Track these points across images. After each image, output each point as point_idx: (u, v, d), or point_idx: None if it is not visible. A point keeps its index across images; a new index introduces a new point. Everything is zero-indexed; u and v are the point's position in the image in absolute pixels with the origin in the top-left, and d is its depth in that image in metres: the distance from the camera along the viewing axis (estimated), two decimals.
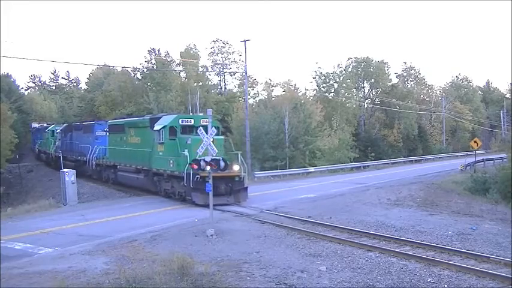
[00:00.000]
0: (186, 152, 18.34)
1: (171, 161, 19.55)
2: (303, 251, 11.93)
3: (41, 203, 21.80)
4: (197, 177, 17.61)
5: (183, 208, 18.80)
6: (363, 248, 12.06)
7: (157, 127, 20.43)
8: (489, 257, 10.95)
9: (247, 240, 13.10)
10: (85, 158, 29.83)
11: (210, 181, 14.17)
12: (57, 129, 38.74)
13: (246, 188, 19.52)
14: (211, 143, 16.06)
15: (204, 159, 14.09)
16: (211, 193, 14.14)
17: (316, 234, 13.65)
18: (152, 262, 10.51)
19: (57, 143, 37.43)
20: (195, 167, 14.75)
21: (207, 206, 16.63)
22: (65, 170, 22.83)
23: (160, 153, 20.50)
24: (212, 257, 11.23)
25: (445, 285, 9.34)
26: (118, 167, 25.20)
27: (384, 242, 12.72)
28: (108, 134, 28.03)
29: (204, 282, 9.14)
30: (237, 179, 18.93)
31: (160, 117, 21.60)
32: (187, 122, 20.23)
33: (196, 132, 18.98)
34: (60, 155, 31.89)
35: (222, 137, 20.55)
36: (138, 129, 23.53)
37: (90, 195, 25.44)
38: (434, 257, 11.14)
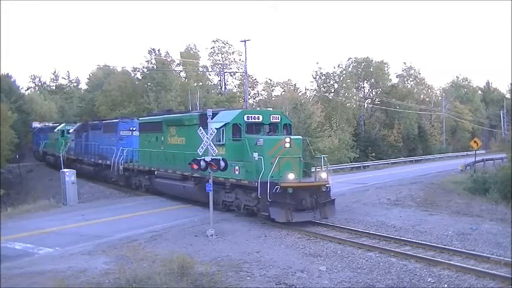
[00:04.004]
0: (256, 156, 15.16)
1: (237, 167, 15.98)
2: (303, 251, 11.95)
3: (41, 203, 21.83)
4: (277, 188, 14.44)
5: (183, 208, 18.85)
6: (363, 248, 12.08)
7: (215, 125, 16.41)
8: (489, 257, 10.96)
9: (247, 240, 13.12)
10: (108, 162, 26.31)
11: (211, 181, 14.14)
12: (68, 129, 35.42)
13: (333, 200, 15.65)
14: (289, 143, 14.78)
15: (204, 159, 13.92)
16: (211, 193, 14.10)
17: (316, 234, 13.68)
18: (152, 262, 10.52)
19: (69, 144, 34.12)
20: (195, 166, 13.79)
21: (289, 223, 14.54)
22: (65, 170, 22.81)
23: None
24: (212, 257, 11.25)
25: (445, 285, 9.35)
26: (156, 172, 21.51)
27: (383, 242, 12.73)
28: (139, 133, 24.59)
29: (204, 282, 9.15)
30: (323, 189, 15.36)
31: (215, 113, 17.71)
32: (255, 118, 16.92)
33: (265, 131, 17.01)
34: (61, 155, 31.48)
35: (300, 136, 17.10)
36: (182, 127, 19.95)
37: (90, 195, 25.44)
38: (434, 257, 11.16)
